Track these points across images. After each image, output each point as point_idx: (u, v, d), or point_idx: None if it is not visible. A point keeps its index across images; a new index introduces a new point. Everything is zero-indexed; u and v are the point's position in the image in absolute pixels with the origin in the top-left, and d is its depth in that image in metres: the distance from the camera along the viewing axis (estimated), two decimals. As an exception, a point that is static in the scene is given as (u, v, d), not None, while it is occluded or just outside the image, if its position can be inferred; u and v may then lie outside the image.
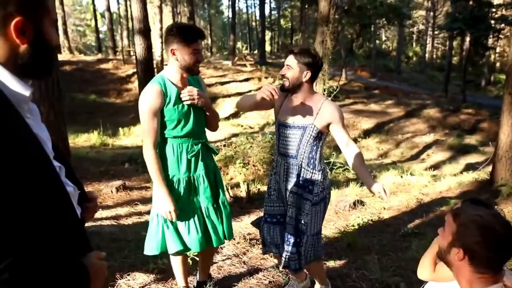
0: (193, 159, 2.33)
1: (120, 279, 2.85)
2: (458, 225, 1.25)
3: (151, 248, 2.40)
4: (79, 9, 48.36)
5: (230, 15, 27.48)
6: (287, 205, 2.42)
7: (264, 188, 5.39)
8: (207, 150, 2.43)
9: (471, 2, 18.04)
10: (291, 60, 2.30)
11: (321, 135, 2.36)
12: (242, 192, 5.09)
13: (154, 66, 10.91)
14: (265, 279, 2.92)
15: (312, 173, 2.37)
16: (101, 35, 33.84)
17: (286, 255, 2.39)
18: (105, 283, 1.11)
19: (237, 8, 34.36)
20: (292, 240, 2.37)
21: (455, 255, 1.25)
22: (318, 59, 2.32)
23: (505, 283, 1.26)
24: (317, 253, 2.47)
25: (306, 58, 2.27)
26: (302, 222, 2.38)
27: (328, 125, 2.33)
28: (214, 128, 2.52)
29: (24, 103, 0.90)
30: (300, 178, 2.38)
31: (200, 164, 2.36)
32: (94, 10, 30.12)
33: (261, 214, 4.81)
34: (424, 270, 1.71)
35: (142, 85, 7.65)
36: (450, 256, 1.27)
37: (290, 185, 2.39)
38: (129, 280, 2.86)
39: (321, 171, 2.39)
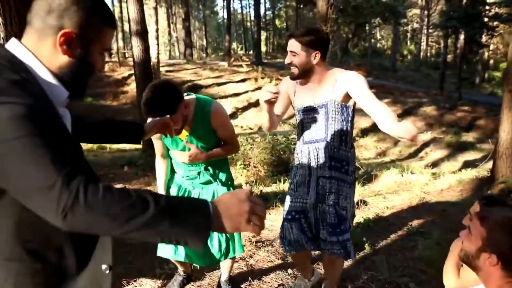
0: (189, 181, 2.37)
1: (127, 286, 2.81)
2: (488, 230, 1.22)
3: (164, 250, 2.38)
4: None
5: (225, 16, 27.48)
6: (324, 193, 2.22)
7: (266, 189, 5.37)
8: (211, 175, 2.35)
9: (465, 1, 18.13)
10: (294, 45, 2.09)
11: (347, 109, 2.17)
12: (244, 193, 5.05)
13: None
14: (274, 282, 2.89)
15: (346, 151, 2.21)
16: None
17: (332, 247, 2.23)
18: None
19: (232, 9, 34.40)
20: (337, 229, 2.21)
21: (486, 260, 1.22)
22: (324, 34, 2.13)
23: None
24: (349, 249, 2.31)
25: (311, 37, 2.06)
26: (342, 206, 2.22)
27: (347, 94, 2.09)
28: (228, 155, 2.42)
29: (59, 105, 0.99)
30: (334, 161, 2.20)
31: (197, 187, 2.38)
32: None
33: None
34: (449, 278, 1.69)
35: (139, 87, 7.58)
36: (479, 261, 1.25)
37: (324, 172, 2.21)
38: (135, 286, 2.82)
39: (352, 149, 2.25)
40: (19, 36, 1.00)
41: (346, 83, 2.07)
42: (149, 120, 1.82)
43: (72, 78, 1.00)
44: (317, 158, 2.23)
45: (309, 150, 2.25)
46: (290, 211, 2.33)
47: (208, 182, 2.37)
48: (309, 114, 2.21)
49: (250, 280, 2.89)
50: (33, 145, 0.81)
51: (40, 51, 0.96)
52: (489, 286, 1.27)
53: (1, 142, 0.80)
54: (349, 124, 2.21)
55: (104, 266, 1.06)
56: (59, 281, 1.01)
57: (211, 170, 2.34)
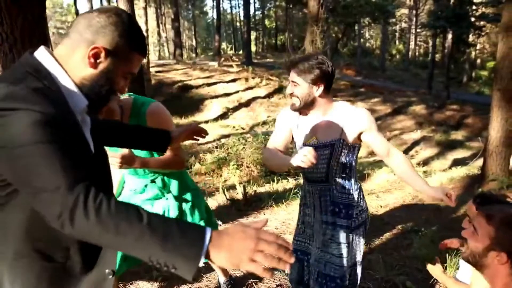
0: (137, 195, 2.17)
1: (123, 288, 2.78)
2: (496, 228, 1.23)
3: None
4: (60, 11, 47.57)
5: (215, 16, 27.43)
6: (320, 237, 2.06)
7: (260, 189, 5.36)
8: (160, 188, 2.15)
9: (452, 0, 18.35)
10: (295, 77, 1.93)
11: (353, 149, 1.99)
12: (238, 194, 5.04)
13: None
14: (272, 283, 2.89)
15: (349, 195, 2.01)
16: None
17: None
18: None
19: (221, 9, 34.29)
20: (324, 280, 2.04)
21: (495, 259, 1.23)
22: (328, 66, 1.91)
23: None
24: (354, 281, 2.14)
25: (312, 71, 1.88)
26: (338, 254, 2.01)
27: (359, 136, 1.95)
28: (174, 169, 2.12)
29: (79, 113, 1.05)
30: (335, 205, 2.01)
31: (145, 203, 2.16)
32: (77, 13, 29.59)
33: (259, 216, 4.79)
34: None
35: (130, 88, 7.51)
36: (486, 259, 1.25)
37: (323, 215, 2.05)
38: (132, 289, 2.79)
39: (357, 190, 2.05)
40: (12, 36, 1.05)
41: (359, 124, 1.92)
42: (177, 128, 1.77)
43: (91, 91, 1.05)
44: (320, 201, 2.05)
45: (312, 190, 2.08)
46: (296, 250, 2.17)
47: (157, 197, 2.16)
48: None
49: (249, 281, 2.88)
50: (47, 151, 0.87)
51: (69, 61, 1.03)
52: (495, 284, 1.27)
53: (19, 146, 0.86)
54: (353, 167, 2.03)
55: (107, 271, 1.10)
56: (64, 281, 1.05)
57: (159, 182, 2.14)
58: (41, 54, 1.02)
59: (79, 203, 0.86)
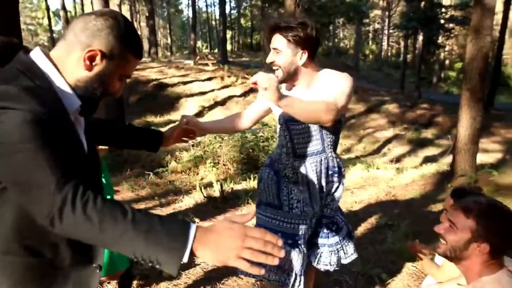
0: None
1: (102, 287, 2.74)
2: (476, 220, 1.27)
3: None
4: (30, 7, 46.10)
5: (190, 14, 27.20)
6: (323, 202, 2.01)
7: (237, 186, 5.37)
8: None
9: (423, 3, 18.84)
10: (278, 41, 1.76)
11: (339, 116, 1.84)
12: (215, 191, 5.05)
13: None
14: (251, 278, 2.91)
15: (337, 158, 2.00)
16: (54, 35, 32.37)
17: (338, 254, 2.08)
18: None
19: (196, 7, 34.01)
20: (344, 232, 2.11)
21: (475, 249, 1.27)
22: (312, 29, 1.75)
23: (508, 268, 1.32)
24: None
25: (299, 33, 1.72)
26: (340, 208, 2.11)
27: None
28: None
29: (73, 113, 1.06)
30: (333, 169, 1.97)
31: None
32: (47, 8, 28.77)
33: (235, 213, 4.81)
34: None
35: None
36: (467, 252, 1.29)
37: (328, 186, 1.98)
38: None
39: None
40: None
41: (330, 87, 1.76)
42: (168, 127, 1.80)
43: (85, 93, 1.06)
44: (319, 173, 1.94)
45: (306, 165, 1.93)
46: (284, 233, 1.95)
47: None
48: (299, 125, 1.88)
49: (227, 277, 2.90)
50: (37, 150, 0.88)
51: (64, 62, 1.04)
52: (470, 273, 1.32)
53: (9, 144, 0.87)
54: (340, 131, 1.99)
55: (94, 265, 1.13)
56: (53, 276, 1.05)
57: None
58: (35, 54, 1.03)
59: (68, 200, 0.87)
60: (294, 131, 1.90)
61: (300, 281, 1.95)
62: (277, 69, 1.81)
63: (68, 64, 1.04)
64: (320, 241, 2.10)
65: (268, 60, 1.83)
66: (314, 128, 1.88)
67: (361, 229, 4.14)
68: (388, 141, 13.03)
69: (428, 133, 13.66)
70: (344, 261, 2.13)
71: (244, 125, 2.16)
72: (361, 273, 3.08)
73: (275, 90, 1.53)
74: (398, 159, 10.24)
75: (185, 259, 0.87)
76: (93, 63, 1.04)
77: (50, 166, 0.89)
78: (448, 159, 7.37)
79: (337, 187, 2.03)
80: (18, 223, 0.99)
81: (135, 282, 2.80)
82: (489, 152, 10.69)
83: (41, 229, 0.96)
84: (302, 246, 1.97)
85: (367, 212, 4.73)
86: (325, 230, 2.08)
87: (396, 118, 15.00)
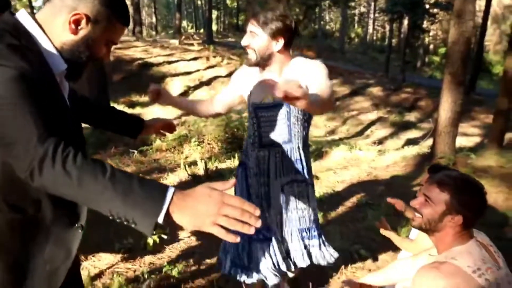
0: None
1: (85, 261, 2.77)
2: (451, 194, 1.34)
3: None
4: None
5: (175, -8, 26.57)
6: (283, 199, 1.95)
7: (221, 165, 5.41)
8: None
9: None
10: (254, 26, 1.78)
11: None
12: (199, 170, 5.07)
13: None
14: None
15: (307, 152, 1.97)
16: (35, 11, 31.39)
17: (310, 251, 2.02)
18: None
19: (181, -15, 33.18)
20: (304, 233, 2.02)
21: (449, 222, 1.34)
22: (291, 21, 1.78)
23: (476, 238, 1.40)
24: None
25: (274, 22, 1.74)
26: (312, 207, 2.00)
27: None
28: None
29: (59, 75, 1.07)
30: (299, 164, 1.93)
31: None
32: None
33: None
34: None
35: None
36: (441, 224, 1.36)
37: (288, 177, 1.92)
38: (94, 261, 2.79)
39: (309, 148, 2.02)
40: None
41: (307, 75, 1.75)
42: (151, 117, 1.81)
43: (71, 56, 1.07)
44: (281, 163, 1.91)
45: (269, 155, 1.91)
46: (259, 230, 1.92)
47: None
48: (268, 112, 1.88)
49: (208, 252, 2.95)
50: (20, 106, 0.90)
51: (49, 25, 1.05)
52: (442, 244, 1.40)
53: None
54: (309, 122, 1.95)
55: (77, 225, 1.15)
56: (35, 232, 1.08)
57: None
58: (21, 15, 1.04)
59: (48, 154, 0.89)
60: (263, 118, 1.89)
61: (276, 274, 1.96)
62: (251, 53, 1.82)
63: (54, 27, 1.05)
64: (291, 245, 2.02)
65: (244, 42, 1.84)
66: (282, 117, 1.86)
67: (343, 207, 4.24)
68: (372, 123, 13.18)
69: (411, 116, 13.86)
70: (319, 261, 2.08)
71: (216, 110, 2.12)
72: (341, 249, 3.17)
73: (307, 95, 1.39)
74: (380, 141, 10.40)
75: (160, 220, 0.88)
76: (79, 27, 1.05)
77: (33, 121, 0.90)
78: (429, 141, 7.52)
79: (304, 189, 1.95)
80: (1, 179, 1.00)
81: (118, 256, 2.84)
82: (469, 136, 10.95)
83: (24, 185, 0.98)
84: (272, 241, 1.97)
85: (349, 191, 4.83)
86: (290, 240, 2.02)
87: (380, 101, 15.15)
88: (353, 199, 4.48)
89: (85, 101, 1.49)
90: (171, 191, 0.90)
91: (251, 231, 0.90)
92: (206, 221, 0.88)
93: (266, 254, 1.98)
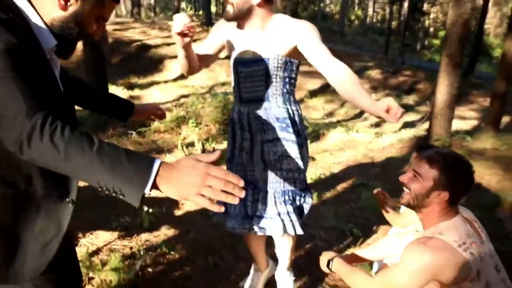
0: None
1: (83, 238, 2.82)
2: (441, 170, 1.37)
3: None
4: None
5: (173, -28, 26.14)
6: (271, 159, 1.90)
7: (219, 146, 5.44)
8: None
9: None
10: None
11: (292, 65, 1.86)
12: (197, 150, 5.12)
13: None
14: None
15: (291, 109, 1.90)
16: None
17: (283, 219, 1.92)
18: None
19: (179, -35, 32.58)
20: (287, 197, 1.94)
21: (436, 198, 1.38)
22: None
23: (462, 214, 1.44)
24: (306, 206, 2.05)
25: None
26: (295, 168, 1.91)
27: (296, 48, 1.79)
28: None
29: (48, 51, 1.07)
30: (278, 121, 1.88)
31: None
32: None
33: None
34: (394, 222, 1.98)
35: (85, 46, 7.17)
36: (428, 200, 1.40)
37: (268, 135, 1.89)
38: (92, 239, 2.84)
39: (298, 106, 1.95)
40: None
41: (296, 36, 1.76)
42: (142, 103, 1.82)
43: (61, 32, 1.08)
44: (258, 120, 1.88)
45: (249, 110, 1.90)
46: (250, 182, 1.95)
47: None
48: (247, 68, 1.86)
49: (203, 229, 3.00)
50: (10, 79, 0.91)
51: (39, 1, 1.05)
52: (428, 219, 1.44)
53: None
54: (292, 82, 1.91)
55: (67, 199, 1.16)
56: (27, 206, 1.10)
57: None
58: None
59: (37, 127, 0.90)
60: (242, 74, 1.88)
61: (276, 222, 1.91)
62: (228, 6, 1.77)
63: (43, 3, 1.05)
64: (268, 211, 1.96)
65: None
66: (260, 73, 1.83)
67: (338, 188, 4.29)
68: (370, 106, 13.15)
69: (409, 99, 13.84)
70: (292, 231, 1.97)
71: (203, 66, 2.02)
72: (335, 227, 3.24)
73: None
74: (378, 124, 10.42)
75: (147, 191, 0.91)
76: (68, 3, 1.05)
77: (22, 94, 0.91)
78: (426, 124, 7.55)
79: (287, 144, 1.89)
80: None
81: (115, 233, 2.90)
82: (466, 119, 10.97)
83: (14, 160, 1.00)
84: (249, 193, 1.95)
85: (344, 172, 4.88)
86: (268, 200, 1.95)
87: (378, 84, 15.10)
88: (349, 180, 4.53)
89: (77, 82, 1.49)
90: (157, 163, 0.93)
91: (235, 201, 0.93)
92: (191, 191, 0.91)
93: (243, 204, 1.97)
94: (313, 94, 13.26)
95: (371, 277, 1.48)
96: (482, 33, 17.02)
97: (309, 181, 4.33)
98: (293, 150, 1.89)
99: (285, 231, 1.92)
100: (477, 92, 13.63)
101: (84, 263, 2.41)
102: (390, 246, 1.86)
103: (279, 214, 1.92)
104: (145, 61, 14.55)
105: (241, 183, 0.95)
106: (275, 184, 1.92)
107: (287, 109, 1.89)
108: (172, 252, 2.69)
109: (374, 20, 40.87)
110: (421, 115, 11.36)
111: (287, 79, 1.87)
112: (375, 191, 2.14)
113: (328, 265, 1.68)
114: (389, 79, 15.55)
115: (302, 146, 1.93)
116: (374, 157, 5.68)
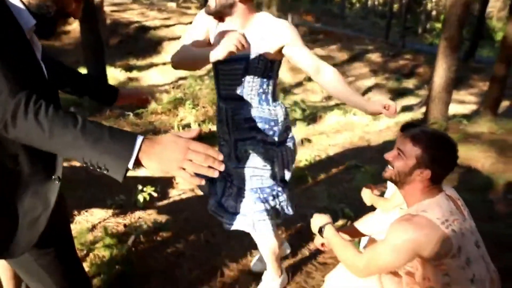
0: None
1: (78, 215, 2.87)
2: (424, 148, 1.39)
3: None
4: None
5: (172, -48, 25.66)
6: (243, 157, 1.93)
7: (215, 128, 5.47)
8: None
9: None
10: None
11: (272, 65, 1.82)
12: (193, 132, 5.13)
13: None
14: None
15: (269, 109, 1.88)
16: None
17: (251, 217, 1.93)
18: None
19: None
20: (256, 195, 1.94)
21: (418, 176, 1.41)
22: None
23: (445, 192, 1.47)
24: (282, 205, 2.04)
25: None
26: (261, 166, 1.91)
27: (280, 50, 1.77)
28: None
29: (28, 33, 1.06)
30: (253, 121, 1.87)
31: None
32: None
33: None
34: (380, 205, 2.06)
35: (82, 27, 7.11)
36: (410, 177, 1.43)
37: (242, 133, 1.90)
38: (87, 216, 2.89)
39: (279, 106, 1.92)
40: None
41: (282, 37, 1.74)
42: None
43: (39, 11, 1.07)
44: (234, 118, 1.88)
45: (226, 107, 1.90)
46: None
47: None
48: (226, 66, 1.81)
49: (195, 208, 3.04)
50: None
51: None
52: (411, 197, 1.47)
53: None
54: (272, 82, 1.88)
55: (54, 177, 1.19)
56: (15, 185, 1.13)
57: None
58: None
59: (21, 106, 0.91)
60: (221, 71, 1.87)
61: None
62: (211, 1, 1.74)
63: None
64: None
65: None
66: (238, 72, 1.81)
67: (332, 169, 4.33)
68: (369, 89, 13.13)
69: (409, 83, 13.78)
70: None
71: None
72: (327, 207, 3.28)
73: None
74: (376, 108, 10.40)
75: (130, 166, 0.94)
76: None
77: (4, 74, 0.93)
78: (424, 108, 7.55)
79: (258, 143, 1.89)
80: None
81: (110, 211, 2.94)
82: (465, 103, 10.95)
83: (0, 140, 1.02)
84: (227, 183, 2.02)
85: (340, 154, 4.92)
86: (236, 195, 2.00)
87: (378, 67, 15.01)
88: (343, 162, 4.56)
89: (60, 66, 1.50)
90: (140, 139, 0.95)
91: (215, 174, 0.96)
92: (173, 165, 0.94)
93: (221, 186, 2.04)
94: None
95: (360, 252, 1.51)
96: (484, 17, 16.83)
97: (304, 162, 4.40)
98: (262, 150, 1.89)
99: (254, 229, 1.95)
100: (477, 76, 13.56)
101: (78, 240, 2.46)
102: (375, 222, 1.90)
103: (248, 212, 1.95)
104: (144, 43, 14.44)
105: (221, 157, 0.98)
106: (244, 181, 1.95)
107: (263, 109, 1.87)
108: (165, 229, 2.74)
109: (376, 2, 40.34)
110: (420, 99, 11.34)
111: (265, 79, 1.84)
112: (364, 188, 2.23)
113: (320, 231, 1.69)
114: (389, 62, 15.44)
115: (273, 145, 1.92)
116: (370, 139, 5.70)
